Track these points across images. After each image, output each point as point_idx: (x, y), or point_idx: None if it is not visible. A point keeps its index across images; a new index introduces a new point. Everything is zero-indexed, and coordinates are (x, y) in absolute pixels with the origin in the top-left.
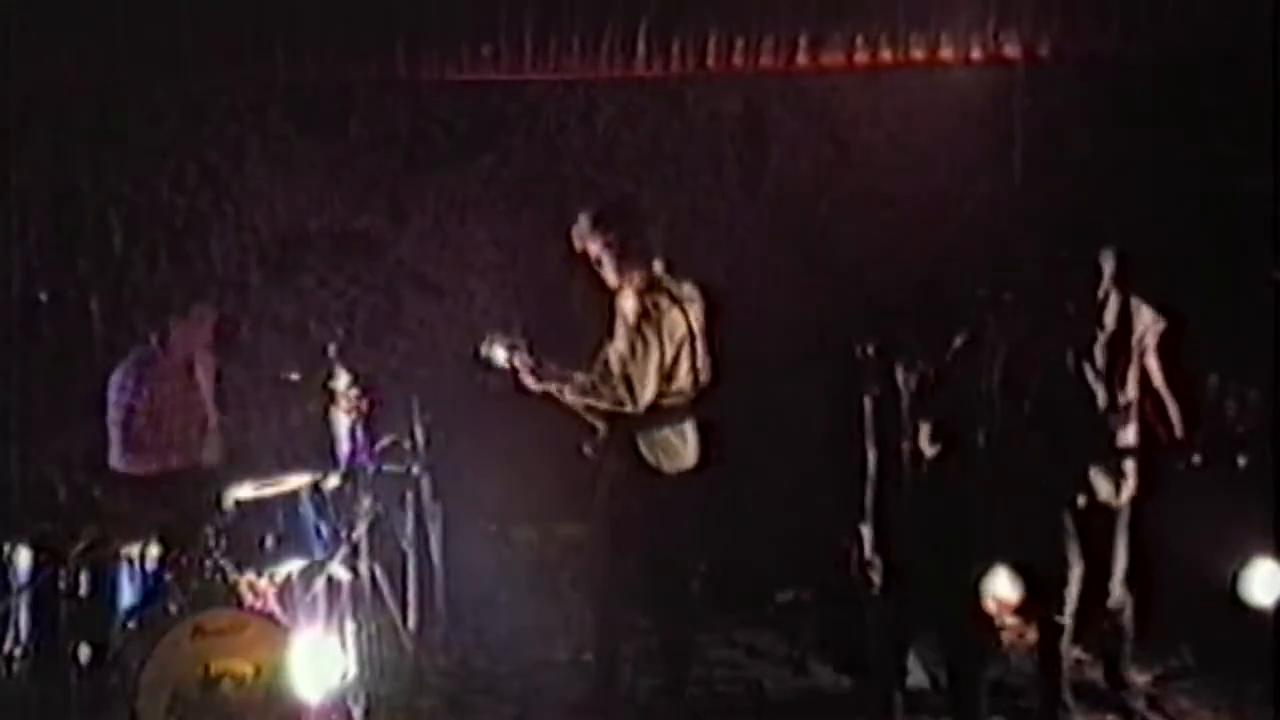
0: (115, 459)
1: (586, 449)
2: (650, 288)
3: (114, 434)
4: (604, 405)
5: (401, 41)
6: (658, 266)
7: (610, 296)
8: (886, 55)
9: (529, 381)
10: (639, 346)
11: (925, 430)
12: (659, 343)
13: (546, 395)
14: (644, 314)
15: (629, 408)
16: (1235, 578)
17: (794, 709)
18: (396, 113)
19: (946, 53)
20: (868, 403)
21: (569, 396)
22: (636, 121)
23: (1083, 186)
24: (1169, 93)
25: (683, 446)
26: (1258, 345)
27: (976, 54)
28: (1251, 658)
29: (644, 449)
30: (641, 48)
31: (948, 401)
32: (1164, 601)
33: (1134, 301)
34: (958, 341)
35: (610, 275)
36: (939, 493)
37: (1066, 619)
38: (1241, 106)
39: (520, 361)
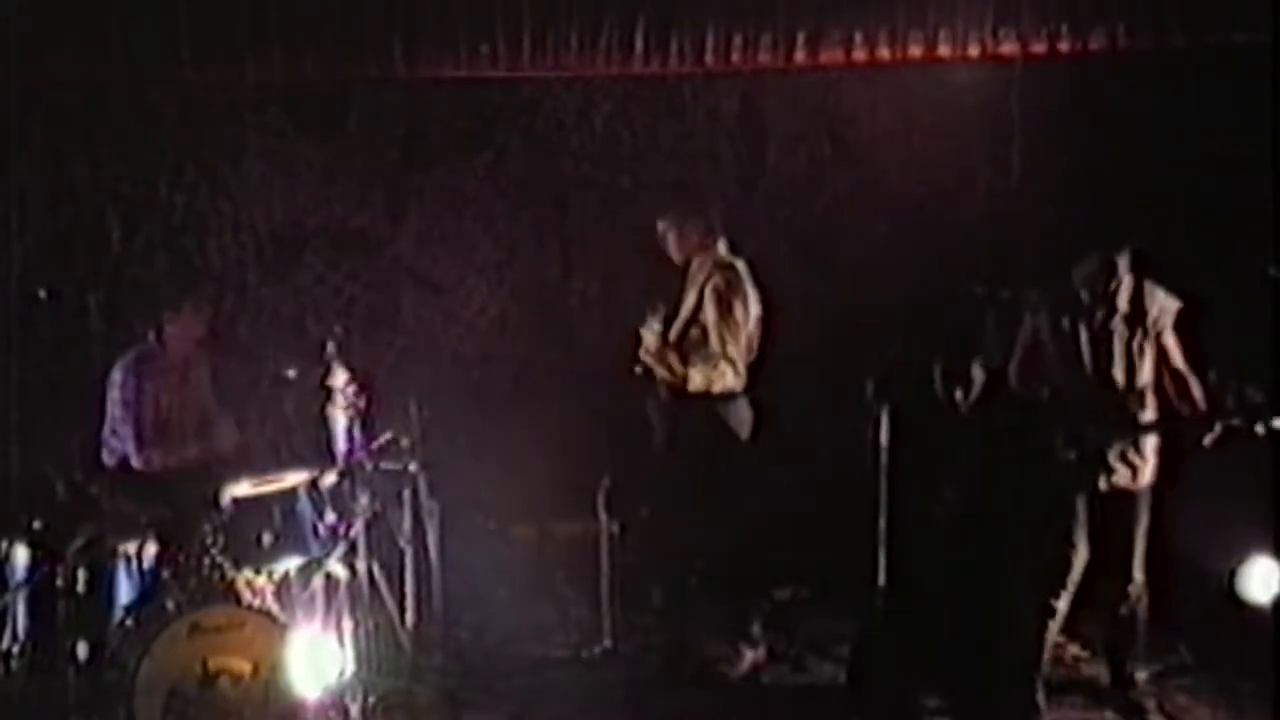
0: (134, 458)
1: (637, 369)
2: (720, 265)
3: (125, 432)
4: (717, 390)
5: (399, 39)
6: (721, 246)
7: (681, 278)
8: (884, 53)
9: (648, 360)
10: (732, 326)
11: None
12: (743, 318)
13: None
14: (724, 292)
15: (738, 389)
16: (1233, 575)
17: (792, 706)
18: (394, 110)
19: (944, 50)
20: (876, 396)
21: (690, 385)
22: (634, 119)
23: (1081, 183)
24: (1167, 89)
25: (747, 418)
26: (1256, 342)
27: (974, 51)
28: (1249, 655)
29: (730, 421)
30: (639, 45)
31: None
32: (1162, 598)
33: (1148, 284)
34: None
35: (673, 251)
36: (951, 486)
37: (1061, 604)
38: (1240, 103)
39: (650, 342)
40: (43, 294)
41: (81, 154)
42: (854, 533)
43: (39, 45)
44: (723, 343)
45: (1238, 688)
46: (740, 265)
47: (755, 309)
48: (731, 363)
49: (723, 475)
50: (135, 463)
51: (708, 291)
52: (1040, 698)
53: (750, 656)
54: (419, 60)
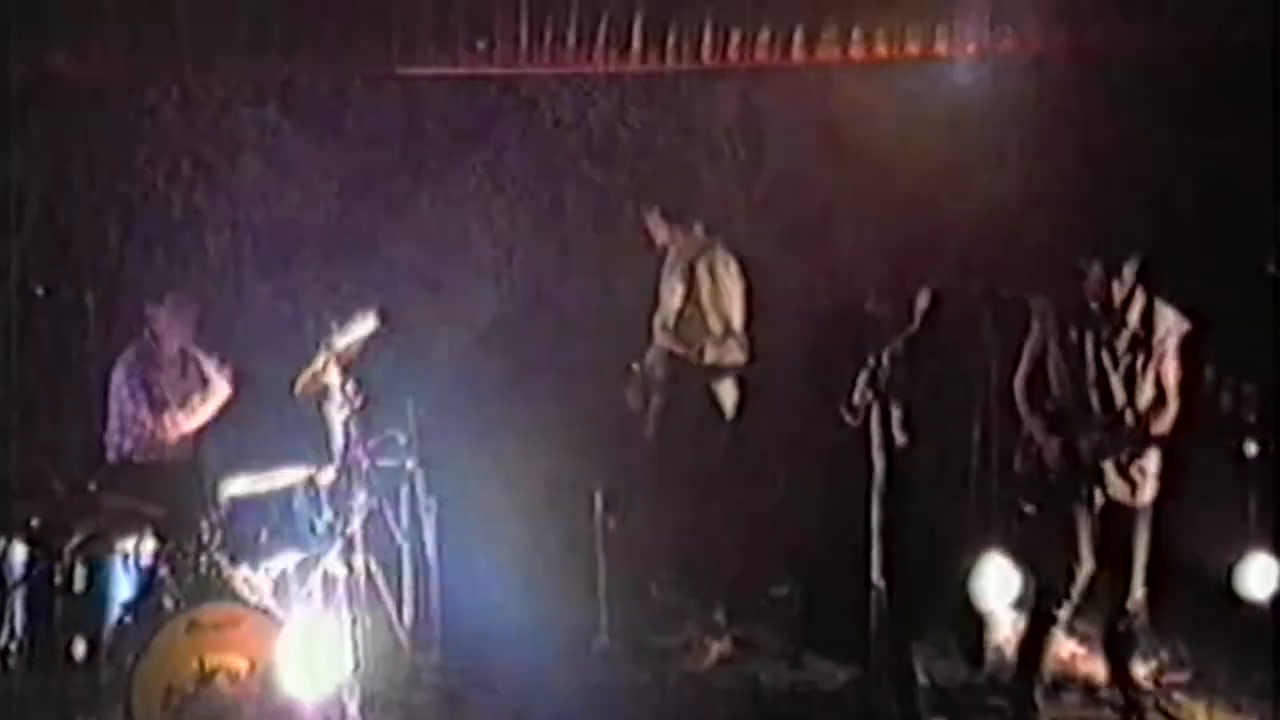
0: (112, 449)
1: (634, 366)
2: (701, 246)
3: (113, 424)
4: (727, 362)
5: (397, 37)
6: (698, 229)
7: (659, 265)
8: (882, 50)
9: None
10: (728, 301)
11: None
12: (735, 291)
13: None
14: (714, 267)
15: (743, 360)
16: (1231, 572)
17: (789, 703)
18: (391, 108)
19: (942, 48)
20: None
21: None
22: (632, 117)
23: (1080, 181)
24: (1167, 88)
25: (731, 394)
26: (1255, 340)
27: (973, 49)
28: (1247, 652)
29: (719, 395)
30: (637, 42)
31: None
32: (1160, 596)
33: (1158, 303)
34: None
35: (658, 235)
36: (943, 489)
37: (1063, 613)
38: (1240, 102)
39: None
40: (40, 291)
41: (79, 151)
42: (851, 530)
43: (38, 43)
44: (723, 320)
45: (1235, 684)
46: (719, 243)
47: (741, 283)
48: (736, 337)
49: (721, 474)
50: (111, 455)
51: (700, 270)
52: (1039, 697)
53: (716, 648)
54: (416, 58)
